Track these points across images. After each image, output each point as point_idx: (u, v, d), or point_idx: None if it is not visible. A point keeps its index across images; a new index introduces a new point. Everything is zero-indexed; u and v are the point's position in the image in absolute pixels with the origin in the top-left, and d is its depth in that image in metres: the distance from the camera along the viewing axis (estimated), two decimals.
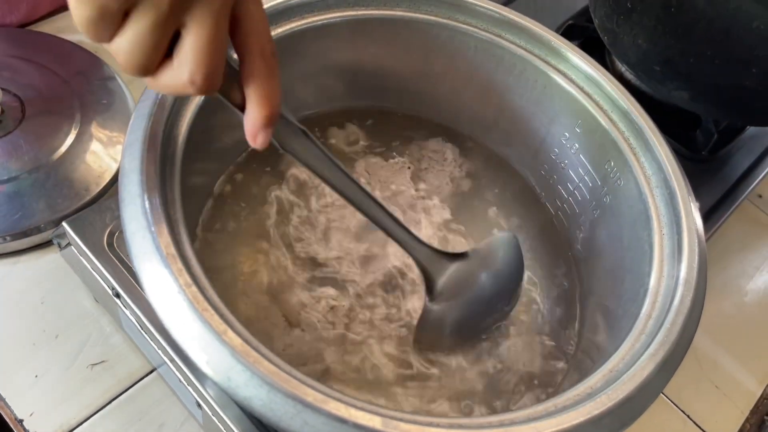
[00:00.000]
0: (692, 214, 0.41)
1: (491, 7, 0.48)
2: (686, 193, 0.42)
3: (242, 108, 0.29)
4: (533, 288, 0.49)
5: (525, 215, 0.53)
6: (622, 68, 0.68)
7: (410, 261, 0.48)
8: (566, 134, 0.50)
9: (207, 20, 0.24)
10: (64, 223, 0.43)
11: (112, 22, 0.24)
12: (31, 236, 0.49)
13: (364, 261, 0.47)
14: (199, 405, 0.40)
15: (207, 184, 0.47)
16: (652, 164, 0.44)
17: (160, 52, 0.25)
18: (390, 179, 0.52)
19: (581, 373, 0.40)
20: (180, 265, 0.31)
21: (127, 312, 0.41)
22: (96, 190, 0.51)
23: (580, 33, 0.71)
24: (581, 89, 0.48)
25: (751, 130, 0.70)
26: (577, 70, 0.48)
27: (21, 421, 0.43)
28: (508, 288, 0.46)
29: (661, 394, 0.40)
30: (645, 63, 0.60)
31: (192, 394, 0.40)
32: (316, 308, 0.44)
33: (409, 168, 0.53)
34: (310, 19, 0.46)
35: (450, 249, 0.49)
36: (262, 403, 0.29)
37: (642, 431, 0.36)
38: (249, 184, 0.49)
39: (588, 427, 0.31)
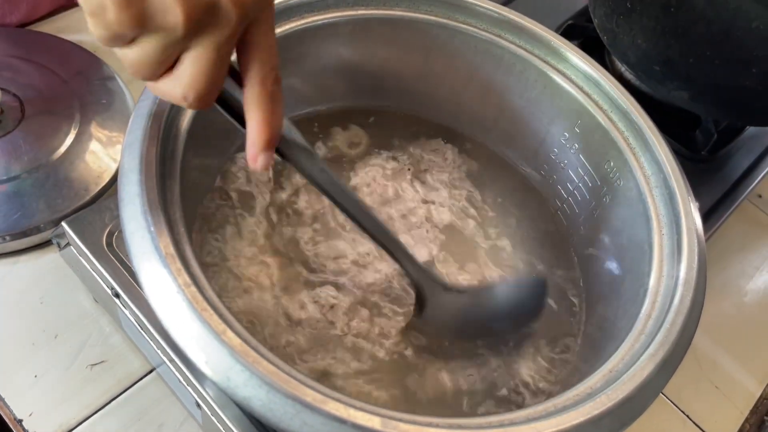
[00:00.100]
0: (692, 214, 0.41)
1: (491, 7, 0.48)
2: (686, 193, 0.42)
3: (244, 124, 0.30)
4: None
5: (525, 215, 0.53)
6: (622, 68, 0.68)
7: None
8: (566, 134, 0.50)
9: (208, 50, 0.25)
10: (63, 223, 0.43)
11: (124, 41, 0.25)
12: (30, 236, 0.48)
13: (364, 260, 0.47)
14: (198, 405, 0.40)
15: (207, 184, 0.47)
16: (652, 164, 0.44)
17: (164, 68, 0.26)
18: (391, 182, 0.52)
19: (581, 374, 0.40)
20: (179, 264, 0.31)
21: (127, 312, 0.41)
22: (95, 190, 0.51)
23: (580, 33, 0.71)
24: (581, 89, 0.48)
25: (750, 130, 0.70)
26: (577, 70, 0.48)
27: (20, 421, 0.43)
28: (503, 331, 0.45)
29: (661, 394, 0.40)
30: (645, 63, 0.60)
31: (191, 394, 0.39)
32: (316, 306, 0.44)
33: (409, 170, 0.53)
34: (309, 19, 0.46)
35: (451, 250, 0.49)
36: (261, 404, 0.29)
37: (642, 431, 0.36)
38: (249, 184, 0.48)
39: (588, 427, 0.31)
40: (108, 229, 0.43)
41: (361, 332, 0.43)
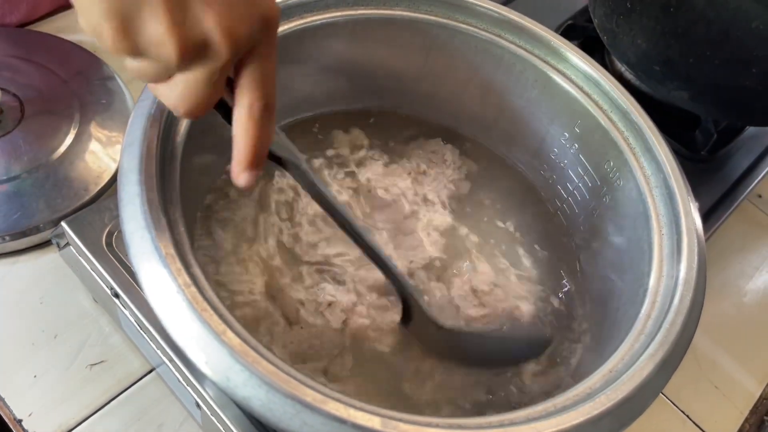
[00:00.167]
0: (691, 214, 0.41)
1: (491, 7, 0.48)
2: (686, 193, 0.42)
3: None
4: (533, 288, 0.49)
5: (525, 215, 0.53)
6: (622, 68, 0.68)
7: (409, 263, 0.48)
8: (566, 134, 0.50)
9: (200, 77, 0.26)
10: (63, 223, 0.43)
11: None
12: (30, 236, 0.48)
13: (363, 259, 0.47)
14: (198, 405, 0.40)
15: (207, 184, 0.47)
16: (652, 164, 0.44)
17: (161, 80, 0.27)
18: (391, 186, 0.51)
19: (580, 374, 0.40)
20: (179, 265, 0.31)
21: (126, 312, 0.41)
22: (95, 189, 0.51)
23: (580, 33, 0.71)
24: (581, 89, 0.48)
25: (750, 130, 0.70)
26: (577, 70, 0.48)
27: (20, 421, 0.43)
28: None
29: (661, 394, 0.40)
30: (644, 63, 0.60)
31: (191, 394, 0.39)
32: (315, 305, 0.44)
33: (409, 174, 0.53)
34: (309, 19, 0.46)
35: (452, 253, 0.49)
36: (261, 404, 0.28)
37: (641, 431, 0.36)
38: None
39: (587, 427, 0.31)
40: (108, 229, 0.43)
41: (359, 329, 0.43)
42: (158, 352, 0.41)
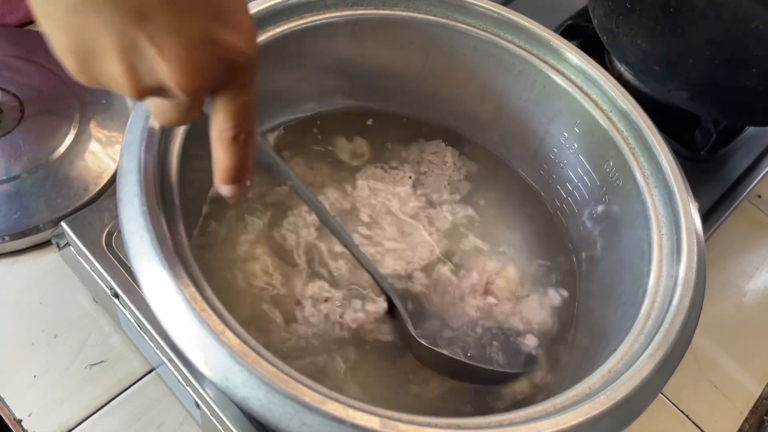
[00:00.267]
0: (691, 214, 0.41)
1: (490, 7, 0.48)
2: (685, 193, 0.42)
3: None
4: (532, 288, 0.49)
5: (524, 215, 0.53)
6: (621, 68, 0.68)
7: (408, 264, 0.48)
8: (565, 134, 0.50)
9: (171, 105, 0.26)
10: (62, 223, 0.43)
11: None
12: (29, 236, 0.49)
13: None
14: (197, 405, 0.40)
15: (206, 184, 0.47)
16: (651, 164, 0.44)
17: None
18: (392, 191, 0.51)
19: (580, 374, 0.40)
20: (178, 265, 0.31)
21: (126, 312, 0.41)
22: (95, 189, 0.51)
23: (580, 33, 0.71)
24: (580, 89, 0.47)
25: (750, 130, 0.70)
26: (576, 70, 0.48)
27: (20, 421, 0.43)
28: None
29: (660, 394, 0.40)
30: (644, 63, 0.60)
31: (191, 394, 0.39)
32: (311, 302, 0.44)
33: (410, 178, 0.53)
34: (308, 19, 0.46)
35: (452, 255, 0.49)
36: (260, 404, 0.29)
37: (641, 431, 0.36)
38: (248, 182, 0.48)
39: (587, 428, 0.31)
40: (107, 229, 0.43)
41: (354, 322, 0.43)
42: (158, 352, 0.41)
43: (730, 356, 0.59)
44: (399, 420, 0.29)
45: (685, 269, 0.38)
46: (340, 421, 0.28)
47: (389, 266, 0.47)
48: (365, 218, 0.49)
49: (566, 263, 0.51)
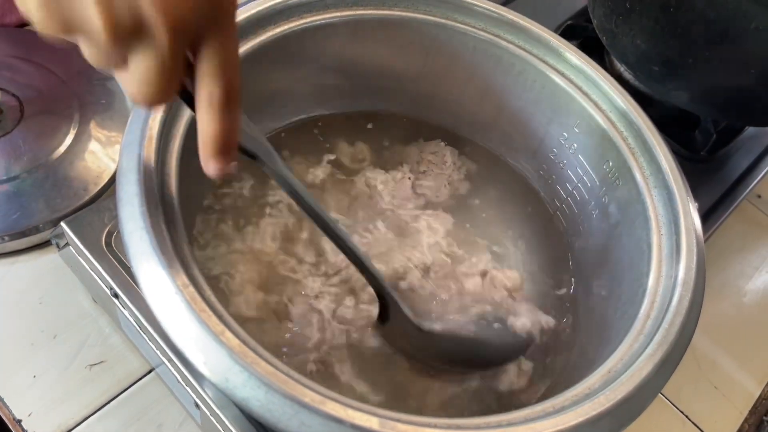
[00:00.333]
0: (691, 215, 0.41)
1: (490, 7, 0.48)
2: (685, 193, 0.42)
3: None
4: (530, 288, 0.49)
5: (524, 215, 0.53)
6: (621, 68, 0.68)
7: (406, 263, 0.48)
8: (565, 134, 0.50)
9: (149, 60, 0.24)
10: (62, 223, 0.43)
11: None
12: (29, 236, 0.49)
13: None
14: (197, 405, 0.40)
15: (205, 184, 0.47)
16: (651, 164, 0.44)
17: (111, 63, 0.25)
18: (391, 192, 0.51)
19: (579, 375, 0.40)
20: (177, 265, 0.31)
21: (126, 312, 0.41)
22: (94, 190, 0.51)
23: (579, 33, 0.71)
24: (580, 89, 0.47)
25: (750, 130, 0.70)
26: (576, 70, 0.48)
27: (19, 421, 0.43)
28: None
29: (660, 395, 0.40)
30: (644, 63, 0.60)
31: (190, 395, 0.40)
32: (304, 298, 0.44)
33: (409, 179, 0.53)
34: (308, 19, 0.46)
35: (453, 256, 0.49)
36: (259, 404, 0.29)
37: (640, 431, 0.36)
38: (246, 183, 0.48)
39: (586, 428, 0.31)
40: (107, 229, 0.43)
41: (345, 319, 0.44)
42: (157, 352, 0.41)
43: (729, 356, 0.59)
44: (398, 420, 0.29)
45: (684, 269, 0.38)
46: (340, 422, 0.28)
47: (388, 266, 0.47)
48: (364, 218, 0.49)
49: (565, 263, 0.51)
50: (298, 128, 0.53)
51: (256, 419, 0.35)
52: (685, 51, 0.55)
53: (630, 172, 0.44)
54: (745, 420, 0.56)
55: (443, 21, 0.49)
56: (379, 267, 0.46)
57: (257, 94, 0.47)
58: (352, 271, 0.45)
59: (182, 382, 0.39)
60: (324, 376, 0.42)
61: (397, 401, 0.42)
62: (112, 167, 0.52)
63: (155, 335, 0.39)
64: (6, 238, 0.48)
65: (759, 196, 0.71)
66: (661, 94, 0.63)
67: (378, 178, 0.52)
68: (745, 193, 0.65)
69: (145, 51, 0.24)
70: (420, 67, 0.52)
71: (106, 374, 0.45)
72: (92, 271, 0.42)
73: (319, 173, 0.51)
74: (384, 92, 0.54)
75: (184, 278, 0.30)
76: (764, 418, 0.57)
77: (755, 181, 0.66)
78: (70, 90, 0.56)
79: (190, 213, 0.44)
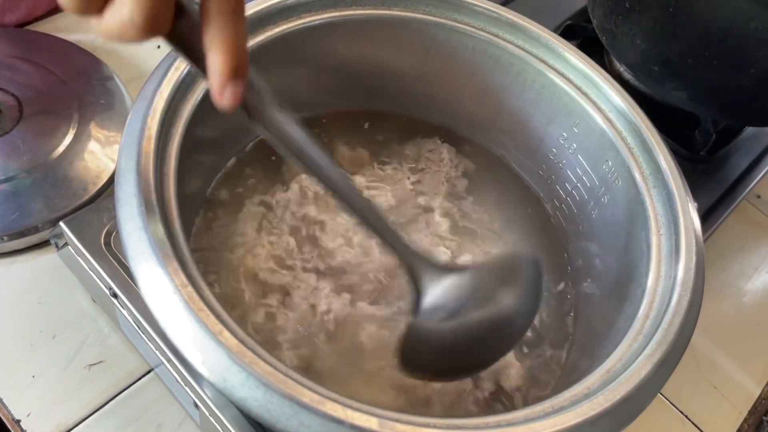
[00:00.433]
0: (690, 215, 0.41)
1: (489, 7, 0.48)
2: (684, 193, 0.42)
3: (203, 65, 0.27)
4: None
5: (523, 215, 0.53)
6: (621, 68, 0.68)
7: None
8: (564, 134, 0.50)
9: None
10: (61, 223, 0.43)
11: None
12: (28, 236, 0.48)
13: (355, 255, 0.47)
14: (196, 405, 0.40)
15: (204, 183, 0.47)
16: (650, 164, 0.44)
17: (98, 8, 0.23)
18: (390, 190, 0.51)
19: (578, 375, 0.40)
20: (176, 265, 0.31)
21: (125, 312, 0.41)
22: (94, 189, 0.51)
23: (579, 33, 0.71)
24: (579, 89, 0.47)
25: (749, 130, 0.70)
26: (575, 70, 0.48)
27: (18, 421, 0.43)
28: (511, 320, 0.39)
29: (659, 395, 0.40)
30: (643, 63, 0.60)
31: (189, 395, 0.39)
32: (300, 292, 0.44)
33: (408, 179, 0.53)
34: (308, 19, 0.46)
35: (455, 258, 0.49)
36: (258, 404, 0.28)
37: (640, 431, 0.36)
38: (245, 183, 0.48)
39: (585, 428, 0.31)
40: (106, 229, 0.43)
41: (340, 315, 0.44)
42: (156, 352, 0.41)
43: (729, 356, 0.59)
44: (397, 420, 0.29)
45: (683, 269, 0.38)
46: (339, 422, 0.28)
47: (377, 254, 0.47)
48: None
49: (564, 263, 0.51)
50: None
51: (255, 419, 0.35)
52: (685, 51, 0.55)
53: (629, 172, 0.44)
54: (745, 420, 0.56)
55: (442, 21, 0.49)
56: (367, 259, 0.47)
57: None
58: (351, 269, 0.45)
59: (181, 382, 0.39)
60: (321, 374, 0.42)
61: (397, 401, 0.42)
62: (112, 167, 0.52)
63: (154, 335, 0.39)
64: (5, 238, 0.48)
65: (758, 196, 0.71)
66: (661, 94, 0.63)
67: (376, 177, 0.52)
68: (744, 193, 0.65)
69: None
70: (419, 66, 0.52)
71: (105, 374, 0.45)
72: (91, 271, 0.42)
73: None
74: (383, 92, 0.54)
75: (182, 278, 0.30)
76: (764, 418, 0.57)
77: (755, 182, 0.66)
78: (69, 90, 0.56)
79: (188, 213, 0.44)
